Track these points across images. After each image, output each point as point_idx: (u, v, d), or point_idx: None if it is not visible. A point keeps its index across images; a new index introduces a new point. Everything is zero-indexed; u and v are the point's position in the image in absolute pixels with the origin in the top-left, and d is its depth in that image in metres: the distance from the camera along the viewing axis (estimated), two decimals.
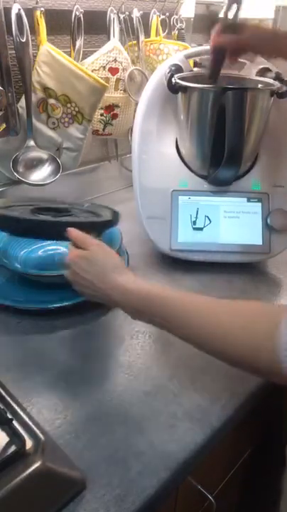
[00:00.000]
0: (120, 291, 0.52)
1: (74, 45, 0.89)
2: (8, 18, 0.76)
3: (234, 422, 0.53)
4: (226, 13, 0.66)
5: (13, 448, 0.41)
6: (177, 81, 0.72)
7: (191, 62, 0.85)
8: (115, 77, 0.92)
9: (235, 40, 0.67)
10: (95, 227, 0.64)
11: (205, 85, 0.71)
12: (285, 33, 0.68)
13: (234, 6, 0.66)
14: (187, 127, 0.75)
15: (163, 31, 1.02)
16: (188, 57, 0.80)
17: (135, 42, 0.97)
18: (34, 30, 0.81)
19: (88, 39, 0.95)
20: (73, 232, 0.57)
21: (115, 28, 0.92)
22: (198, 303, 0.49)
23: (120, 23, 0.93)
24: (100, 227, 0.66)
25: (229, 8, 0.66)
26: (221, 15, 1.07)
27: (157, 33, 1.00)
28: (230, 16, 0.66)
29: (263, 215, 0.78)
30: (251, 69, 0.80)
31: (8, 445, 0.42)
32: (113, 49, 0.90)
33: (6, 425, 0.43)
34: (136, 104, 0.83)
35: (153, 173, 0.79)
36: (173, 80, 0.73)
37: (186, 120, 0.75)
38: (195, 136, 0.75)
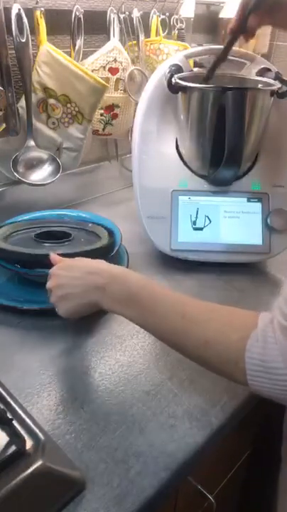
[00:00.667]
0: (105, 275, 0.51)
1: (74, 45, 0.89)
2: (8, 18, 0.76)
3: (233, 422, 0.53)
4: None
5: (13, 448, 0.41)
6: (177, 81, 0.72)
7: (191, 62, 0.85)
8: (115, 77, 0.92)
9: (262, 19, 0.66)
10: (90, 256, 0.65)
11: (205, 85, 0.71)
12: None
13: None
14: (187, 127, 0.75)
15: (163, 31, 1.02)
16: (188, 57, 0.80)
17: (135, 42, 0.97)
18: (34, 30, 0.81)
19: (88, 39, 0.95)
20: (56, 258, 0.59)
21: (115, 28, 0.92)
22: (169, 294, 0.49)
23: (120, 23, 0.93)
24: (95, 256, 0.67)
25: None
26: (221, 15, 1.07)
27: (157, 33, 1.00)
28: None
29: (263, 215, 0.78)
30: (251, 69, 0.80)
31: (8, 445, 0.42)
32: (113, 49, 0.90)
33: (6, 425, 0.43)
34: (136, 104, 0.83)
35: (153, 173, 0.79)
36: (173, 80, 0.73)
37: (186, 120, 0.75)
38: (194, 136, 0.75)
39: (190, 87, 0.71)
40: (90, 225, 0.80)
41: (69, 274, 0.54)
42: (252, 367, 0.40)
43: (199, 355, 0.46)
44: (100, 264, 0.54)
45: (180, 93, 0.74)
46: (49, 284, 0.56)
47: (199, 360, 0.47)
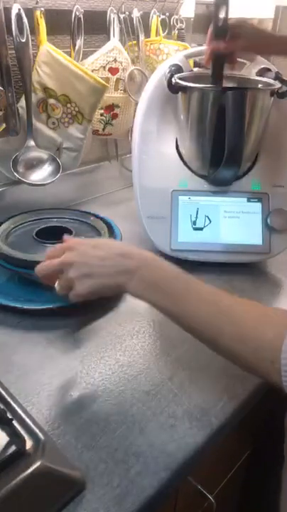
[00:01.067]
0: (137, 259, 0.49)
1: (74, 45, 0.89)
2: (8, 18, 0.76)
3: (234, 421, 0.53)
4: (216, 17, 0.66)
5: (13, 448, 0.41)
6: (177, 81, 0.72)
7: (191, 62, 0.85)
8: (115, 77, 0.92)
9: (229, 45, 0.66)
10: None
11: (205, 85, 0.71)
12: (279, 36, 0.68)
13: (223, 8, 0.65)
14: (187, 127, 0.75)
15: (163, 31, 1.02)
16: (188, 57, 0.80)
17: (135, 42, 0.97)
18: (34, 30, 0.81)
19: (88, 39, 0.95)
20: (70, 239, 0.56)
21: (115, 28, 0.92)
22: (204, 285, 0.48)
23: (120, 23, 0.93)
24: None
25: (217, 10, 0.65)
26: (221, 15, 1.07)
27: (157, 33, 1.00)
28: (221, 17, 0.66)
29: (263, 215, 0.78)
30: (251, 69, 0.80)
31: (8, 445, 0.42)
32: (113, 49, 0.90)
33: (6, 425, 0.43)
34: (136, 104, 0.83)
35: (153, 173, 0.79)
36: (173, 80, 0.73)
37: (186, 120, 0.75)
38: (194, 136, 0.75)
39: (190, 87, 0.71)
40: (92, 218, 0.80)
41: (97, 253, 0.51)
42: None
43: (232, 351, 0.44)
44: (131, 247, 0.52)
45: (180, 93, 0.74)
46: (69, 258, 0.51)
47: (231, 356, 0.45)
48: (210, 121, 0.71)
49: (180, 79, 0.73)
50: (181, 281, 0.48)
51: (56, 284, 0.54)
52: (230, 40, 0.67)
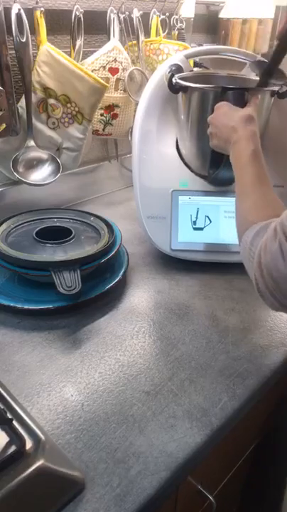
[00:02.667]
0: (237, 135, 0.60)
1: (74, 45, 0.89)
2: (8, 18, 0.76)
3: (233, 421, 0.53)
4: None
5: (13, 448, 0.41)
6: (178, 81, 0.72)
7: (191, 62, 0.85)
8: (115, 77, 0.92)
9: None
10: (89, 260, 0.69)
11: (206, 85, 0.71)
12: None
13: None
14: (188, 127, 0.75)
15: (163, 31, 1.02)
16: (188, 57, 0.80)
17: (135, 42, 0.97)
18: (34, 30, 0.81)
19: (88, 39, 0.95)
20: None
21: (115, 28, 0.92)
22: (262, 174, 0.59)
23: (120, 23, 0.93)
24: (93, 259, 0.70)
25: None
26: (221, 15, 1.07)
27: (157, 33, 1.00)
28: None
29: None
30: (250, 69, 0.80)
31: (8, 445, 0.42)
32: (113, 49, 0.90)
33: (6, 425, 0.43)
34: (136, 104, 0.83)
35: (153, 173, 0.79)
36: (174, 80, 0.73)
37: (186, 120, 0.75)
38: (195, 135, 0.75)
39: (191, 87, 0.71)
40: (92, 218, 0.81)
41: (220, 122, 0.64)
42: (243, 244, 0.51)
43: (237, 227, 0.55)
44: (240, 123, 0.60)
45: (180, 93, 0.74)
46: (210, 119, 0.66)
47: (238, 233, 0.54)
48: None
49: (180, 79, 0.73)
50: (249, 169, 0.58)
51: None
52: None
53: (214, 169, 0.75)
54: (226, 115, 0.63)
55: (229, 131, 0.61)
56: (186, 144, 0.78)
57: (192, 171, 0.80)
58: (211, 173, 0.77)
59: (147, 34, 0.99)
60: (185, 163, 0.80)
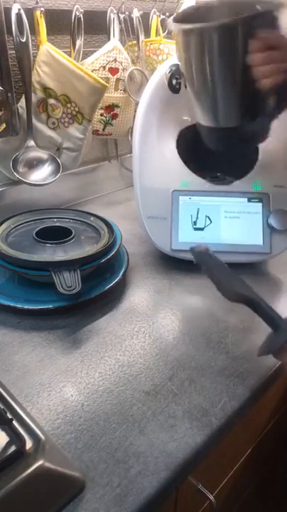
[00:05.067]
0: None
1: (74, 45, 0.89)
2: (8, 18, 0.76)
3: (233, 421, 0.53)
4: None
5: (13, 448, 0.41)
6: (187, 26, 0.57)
7: None
8: (115, 77, 0.92)
9: None
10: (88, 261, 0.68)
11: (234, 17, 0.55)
12: None
13: None
14: (207, 80, 0.60)
15: (163, 31, 1.02)
16: None
17: (135, 42, 0.97)
18: (34, 30, 0.81)
19: (88, 39, 0.95)
20: None
21: (115, 28, 0.92)
22: None
23: (120, 23, 0.93)
24: (93, 259, 0.69)
25: None
26: None
27: (157, 33, 1.00)
28: None
29: (264, 215, 0.78)
30: None
31: (8, 445, 0.42)
32: (113, 49, 0.91)
33: (6, 425, 0.43)
34: (136, 104, 0.83)
35: (153, 173, 0.79)
36: (174, 81, 0.73)
37: (202, 72, 0.60)
38: (221, 84, 0.60)
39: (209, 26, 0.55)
40: (92, 218, 0.81)
41: None
42: None
43: None
44: None
45: (181, 41, 0.60)
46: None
47: None
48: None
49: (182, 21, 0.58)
50: None
51: None
52: None
53: (248, 119, 0.64)
54: None
55: None
56: (204, 106, 0.64)
57: (192, 170, 0.80)
58: (243, 124, 0.65)
59: (147, 34, 0.99)
60: (186, 163, 0.80)
